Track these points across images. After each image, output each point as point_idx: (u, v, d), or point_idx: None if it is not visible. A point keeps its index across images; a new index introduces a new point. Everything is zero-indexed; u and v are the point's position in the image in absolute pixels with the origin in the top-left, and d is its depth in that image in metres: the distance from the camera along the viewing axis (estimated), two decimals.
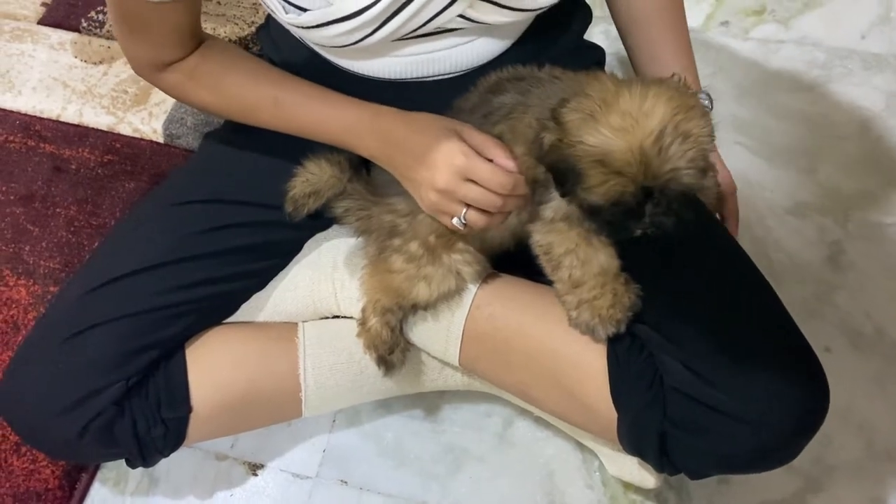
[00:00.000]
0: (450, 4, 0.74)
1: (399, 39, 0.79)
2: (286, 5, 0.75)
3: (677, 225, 0.69)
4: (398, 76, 0.86)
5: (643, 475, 0.88)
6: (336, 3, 0.73)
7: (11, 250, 1.11)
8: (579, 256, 0.79)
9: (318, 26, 0.75)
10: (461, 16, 0.76)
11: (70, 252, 1.11)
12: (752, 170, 1.10)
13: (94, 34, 1.31)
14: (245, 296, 0.92)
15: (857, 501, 0.90)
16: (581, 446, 0.94)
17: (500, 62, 0.85)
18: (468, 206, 0.76)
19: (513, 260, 0.87)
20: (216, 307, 0.90)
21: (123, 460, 0.87)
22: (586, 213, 0.73)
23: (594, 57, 0.96)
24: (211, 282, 0.87)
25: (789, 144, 1.14)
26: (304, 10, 0.75)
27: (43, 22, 1.33)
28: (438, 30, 0.79)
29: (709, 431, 0.73)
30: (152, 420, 0.83)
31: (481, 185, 0.75)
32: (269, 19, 0.96)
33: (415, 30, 0.77)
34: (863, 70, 1.19)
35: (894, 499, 0.90)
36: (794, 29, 1.24)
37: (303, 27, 0.76)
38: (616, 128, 0.66)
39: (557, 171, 0.71)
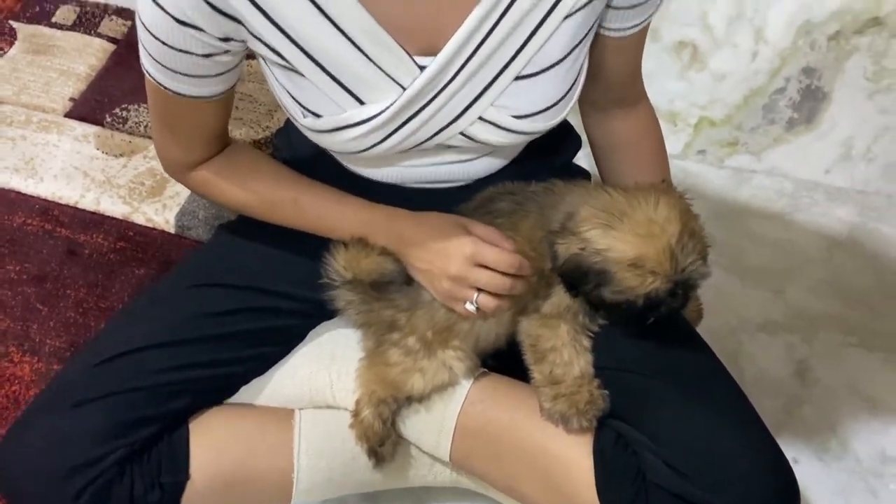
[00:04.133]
0: (452, 122, 0.83)
1: (405, 152, 0.88)
2: (304, 110, 0.84)
3: (681, 309, 0.81)
4: (404, 183, 0.94)
5: None
6: (348, 112, 0.81)
7: (20, 328, 1.16)
8: (563, 357, 0.86)
9: (331, 131, 0.83)
10: (462, 133, 0.85)
11: (76, 332, 1.15)
12: (725, 286, 1.18)
13: (117, 129, 1.40)
14: (246, 379, 0.96)
15: None
16: None
17: (497, 178, 0.94)
18: (479, 291, 0.83)
19: (498, 356, 0.94)
20: (216, 388, 0.94)
21: None
22: (600, 308, 0.82)
23: (581, 179, 1.05)
24: (214, 364, 0.92)
25: (760, 265, 1.22)
26: (319, 115, 0.83)
27: (69, 115, 1.42)
28: (441, 146, 0.88)
29: None
30: (150, 484, 0.85)
31: (491, 269, 0.82)
32: (289, 125, 1.05)
33: (419, 143, 0.85)
34: (827, 201, 1.30)
35: None
36: (765, 161, 1.35)
37: (318, 131, 0.84)
38: (644, 234, 0.77)
39: (576, 276, 0.80)
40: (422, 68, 0.78)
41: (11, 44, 1.52)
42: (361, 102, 0.81)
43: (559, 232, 0.82)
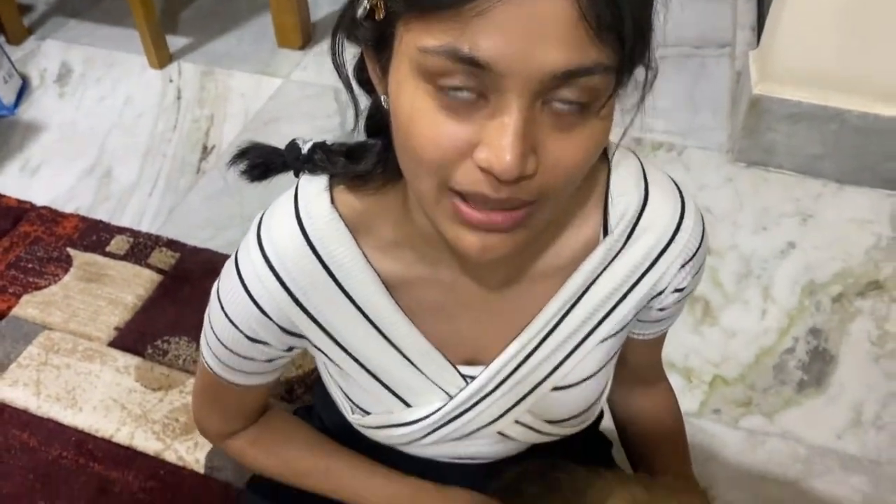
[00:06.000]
0: (490, 423, 0.88)
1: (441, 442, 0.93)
2: (353, 406, 0.90)
3: None
4: (435, 458, 0.99)
5: None
6: (395, 413, 0.87)
7: None
8: None
9: (377, 427, 0.89)
10: (499, 432, 0.90)
11: None
12: None
13: (157, 361, 1.46)
14: None
15: None
16: None
17: (524, 454, 0.98)
18: None
19: None
20: None
21: None
22: None
23: (604, 449, 1.10)
24: None
25: None
26: (368, 413, 0.89)
27: (113, 344, 1.49)
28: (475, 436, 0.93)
29: None
30: None
31: None
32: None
33: (459, 438, 0.90)
34: (840, 469, 1.33)
35: None
36: (778, 423, 1.39)
37: (365, 427, 0.90)
38: None
39: None
40: (465, 378, 0.85)
41: (67, 270, 1.63)
42: (408, 405, 0.87)
43: None
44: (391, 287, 0.77)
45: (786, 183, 1.84)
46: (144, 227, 1.74)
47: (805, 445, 1.36)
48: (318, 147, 0.75)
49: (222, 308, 0.80)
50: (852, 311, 1.58)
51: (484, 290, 0.79)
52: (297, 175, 0.77)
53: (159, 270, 1.63)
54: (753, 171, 1.87)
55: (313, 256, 0.75)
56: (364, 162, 0.72)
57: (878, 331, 1.54)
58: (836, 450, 1.36)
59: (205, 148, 1.96)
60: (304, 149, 0.76)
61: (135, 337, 1.51)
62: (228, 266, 0.79)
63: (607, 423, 1.04)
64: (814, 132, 1.78)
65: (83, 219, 1.74)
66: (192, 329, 1.51)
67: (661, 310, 0.86)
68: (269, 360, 0.84)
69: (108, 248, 1.68)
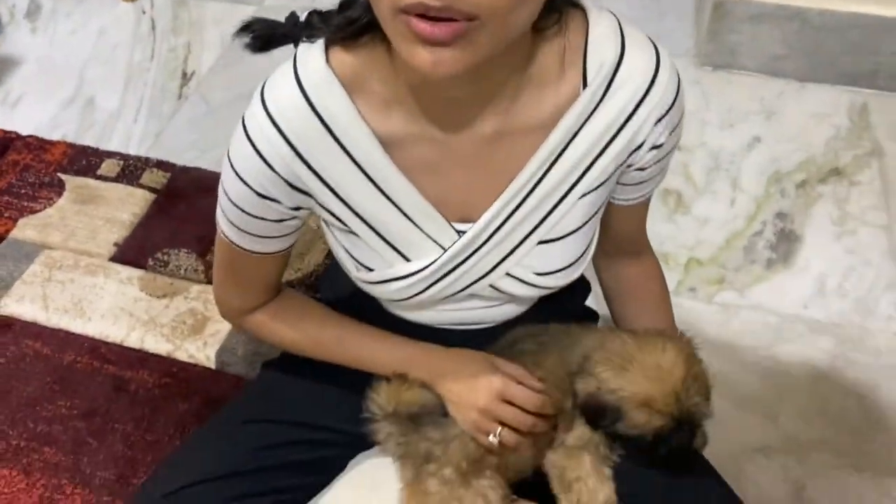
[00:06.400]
0: (483, 277, 0.95)
1: (440, 300, 1.00)
2: (358, 265, 0.96)
3: (690, 443, 0.89)
4: (437, 325, 1.06)
5: None
6: (395, 267, 0.94)
7: (71, 461, 1.23)
8: (588, 485, 0.95)
9: (380, 282, 0.95)
10: (491, 286, 0.98)
11: (125, 465, 1.23)
12: (723, 414, 1.29)
13: (159, 272, 1.52)
14: None
15: None
16: None
17: (518, 321, 1.07)
18: (502, 425, 0.93)
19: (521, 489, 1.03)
20: None
21: None
22: (618, 441, 0.92)
23: (592, 320, 1.18)
24: (270, 492, 0.99)
25: (753, 394, 1.34)
26: (371, 269, 0.95)
27: (114, 259, 1.54)
28: (471, 295, 1.00)
29: None
30: None
31: (516, 406, 0.93)
32: (332, 274, 1.17)
33: (454, 293, 0.98)
34: (808, 333, 1.44)
35: None
36: (749, 297, 1.50)
37: (369, 282, 0.96)
38: (652, 377, 0.88)
39: (594, 412, 0.91)
40: (459, 232, 0.92)
41: (60, 194, 1.66)
42: (407, 260, 0.94)
43: (578, 373, 0.94)
44: (387, 145, 0.84)
45: (750, 83, 1.93)
46: (132, 152, 1.78)
47: (775, 315, 1.46)
48: (314, 12, 0.83)
49: (233, 168, 0.86)
50: (815, 196, 1.68)
51: (473, 147, 0.85)
52: (296, 45, 0.83)
53: (152, 189, 1.67)
54: (719, 74, 1.95)
55: (312, 113, 0.81)
56: (353, 8, 0.79)
57: (839, 212, 1.65)
58: (804, 317, 1.46)
59: (184, 74, 1.99)
60: (302, 17, 0.82)
61: (135, 251, 1.55)
62: (237, 131, 0.85)
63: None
64: (776, 32, 1.86)
65: (71, 145, 1.77)
66: (191, 241, 1.56)
67: (640, 170, 0.93)
68: (280, 221, 0.90)
69: (98, 172, 1.71)
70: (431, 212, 0.89)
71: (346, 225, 0.91)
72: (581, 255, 0.97)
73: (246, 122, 0.84)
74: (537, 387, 0.95)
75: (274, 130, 0.82)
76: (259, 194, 0.86)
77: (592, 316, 1.19)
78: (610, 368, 0.91)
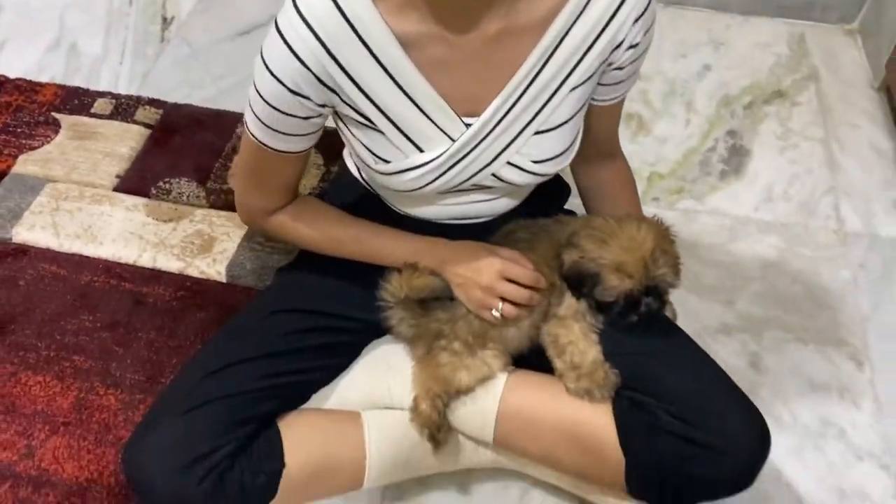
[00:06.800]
0: (487, 165, 1.08)
1: (445, 192, 1.13)
2: (376, 158, 1.07)
3: (659, 310, 1.03)
4: (440, 219, 1.19)
5: None
6: (410, 157, 1.05)
7: (101, 366, 1.32)
8: (579, 347, 1.10)
9: (396, 173, 1.06)
10: (493, 174, 1.11)
11: (153, 368, 1.33)
12: (688, 302, 1.46)
13: (163, 199, 1.60)
14: (318, 386, 1.16)
15: None
16: None
17: (511, 216, 1.20)
18: (503, 301, 1.07)
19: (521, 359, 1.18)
20: (295, 394, 1.13)
21: None
22: (598, 307, 1.06)
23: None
24: (295, 373, 1.12)
25: (713, 284, 1.51)
26: (388, 161, 1.06)
27: (117, 189, 1.60)
28: (474, 186, 1.13)
29: (694, 462, 1.00)
30: (255, 472, 1.02)
31: (515, 282, 1.06)
32: (338, 180, 1.29)
33: (462, 182, 1.10)
34: (758, 232, 1.61)
35: None
36: (706, 203, 1.67)
37: (385, 173, 1.07)
38: (626, 248, 1.02)
39: (577, 278, 1.05)
40: (467, 125, 1.05)
41: (57, 132, 1.72)
42: (421, 150, 1.06)
43: (565, 245, 1.09)
44: (404, 45, 0.96)
45: (699, 18, 2.09)
46: (122, 92, 1.85)
47: (729, 217, 1.64)
48: None
49: (267, 67, 0.97)
50: (761, 115, 1.85)
51: (479, 45, 0.98)
52: None
53: (147, 125, 1.74)
54: (671, 10, 2.11)
55: (339, 14, 0.92)
56: None
57: (782, 128, 1.83)
58: (754, 218, 1.64)
59: (164, 19, 2.05)
60: None
61: (137, 181, 1.63)
62: (271, 32, 0.96)
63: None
64: None
65: (61, 86, 1.83)
66: (190, 171, 1.65)
67: (618, 69, 1.07)
68: (307, 119, 1.01)
69: (92, 110, 1.77)
70: (443, 105, 1.02)
71: (367, 118, 1.02)
72: (570, 145, 1.10)
73: (280, 25, 0.94)
74: (531, 266, 1.09)
75: (307, 30, 0.93)
76: (292, 91, 0.97)
77: (573, 216, 1.33)
78: (592, 241, 1.05)
